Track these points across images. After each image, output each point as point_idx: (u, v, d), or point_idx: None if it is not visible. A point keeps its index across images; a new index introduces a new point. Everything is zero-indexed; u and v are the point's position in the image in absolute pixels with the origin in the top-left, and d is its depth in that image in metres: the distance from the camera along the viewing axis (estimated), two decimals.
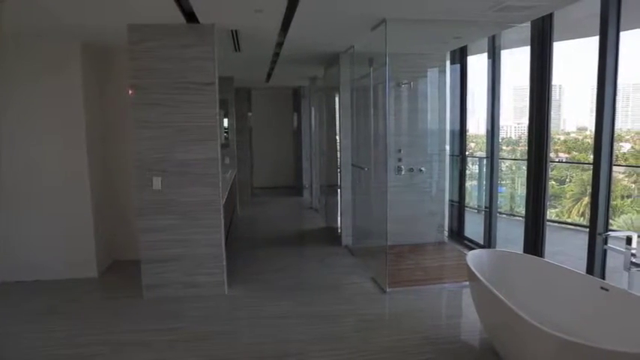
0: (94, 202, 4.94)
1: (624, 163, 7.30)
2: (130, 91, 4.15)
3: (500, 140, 5.96)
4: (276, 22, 4.15)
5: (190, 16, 3.91)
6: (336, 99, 6.40)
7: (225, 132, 8.65)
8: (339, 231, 6.40)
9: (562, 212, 7.71)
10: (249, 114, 10.69)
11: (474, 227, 6.30)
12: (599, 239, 3.80)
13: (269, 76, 8.20)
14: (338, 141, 6.37)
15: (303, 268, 5.47)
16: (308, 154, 10.13)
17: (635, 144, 7.45)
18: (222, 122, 8.30)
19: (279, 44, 5.20)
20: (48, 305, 4.22)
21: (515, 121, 7.48)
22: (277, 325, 3.77)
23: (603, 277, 3.84)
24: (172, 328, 3.73)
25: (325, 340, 3.49)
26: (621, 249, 2.97)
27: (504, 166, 7.69)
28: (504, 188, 7.64)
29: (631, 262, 2.88)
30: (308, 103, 9.96)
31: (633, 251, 2.89)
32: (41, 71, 4.68)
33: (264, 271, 5.19)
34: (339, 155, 6.30)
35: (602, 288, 3.05)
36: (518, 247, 4.91)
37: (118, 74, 5.18)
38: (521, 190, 5.60)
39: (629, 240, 2.91)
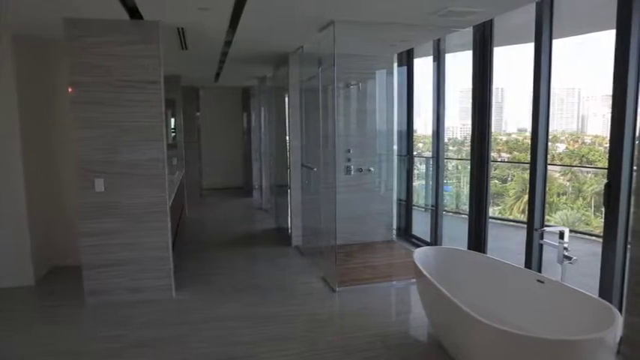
0: (29, 204, 4.66)
1: (560, 163, 7.73)
2: (70, 89, 3.97)
3: (446, 141, 6.16)
4: (223, 21, 4.09)
5: (134, 12, 3.79)
6: (286, 99, 6.39)
7: (173, 132, 8.44)
8: (289, 231, 6.39)
9: (505, 210, 8.06)
10: (198, 114, 10.49)
11: (421, 225, 6.47)
12: (535, 234, 4.00)
13: (218, 75, 8.09)
14: (288, 141, 6.36)
15: (253, 269, 5.43)
16: (258, 155, 10.06)
17: (570, 145, 7.91)
18: (169, 122, 8.10)
19: (228, 43, 5.14)
20: None
21: (461, 122, 7.76)
22: (226, 328, 3.71)
23: (540, 270, 4.05)
24: (117, 335, 3.60)
25: (275, 341, 3.48)
26: (555, 243, 3.15)
27: (451, 165, 7.96)
28: (451, 187, 7.90)
29: (563, 255, 3.06)
30: (258, 103, 9.89)
31: (565, 245, 3.06)
32: None
33: (213, 274, 5.11)
34: (288, 155, 6.30)
35: (538, 280, 3.22)
36: (463, 244, 5.08)
37: (60, 70, 4.92)
38: (466, 188, 5.80)
39: (561, 235, 3.09)
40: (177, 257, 4.61)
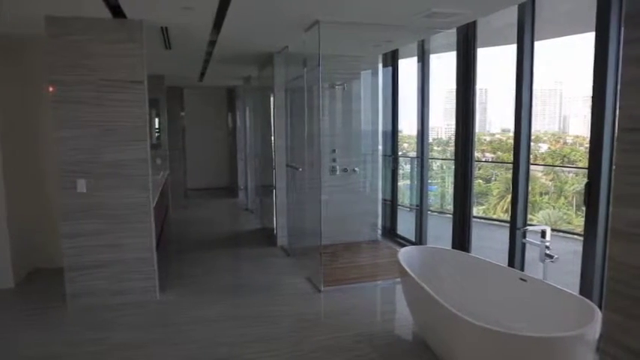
0: (8, 205, 4.58)
1: (542, 163, 7.84)
2: (51, 88, 3.91)
3: (431, 141, 6.20)
4: (207, 20, 4.07)
5: (116, 11, 3.75)
6: (271, 99, 6.38)
7: (157, 132, 8.37)
8: (275, 232, 6.38)
9: (489, 209, 8.14)
10: (182, 114, 10.41)
11: (406, 225, 6.50)
12: (518, 233, 4.06)
13: (202, 75, 8.03)
14: (273, 141, 6.35)
15: (238, 270, 5.41)
16: (243, 155, 10.02)
17: (552, 145, 8.02)
18: (153, 122, 8.02)
19: (212, 43, 5.11)
20: None
21: (445, 123, 7.82)
22: (211, 329, 3.69)
23: (523, 269, 4.10)
24: (100, 338, 3.55)
25: (260, 341, 3.47)
26: (537, 242, 3.19)
27: (436, 165, 8.02)
28: (436, 187, 7.96)
29: (545, 253, 3.10)
30: (243, 103, 9.85)
31: (547, 244, 3.11)
32: None
33: (198, 275, 5.08)
34: (274, 156, 6.29)
35: (521, 279, 3.26)
36: (447, 243, 5.13)
37: (41, 69, 4.84)
38: (451, 188, 5.86)
39: (543, 233, 3.13)
40: (161, 258, 4.57)
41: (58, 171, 4.00)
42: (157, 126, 8.34)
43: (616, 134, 1.36)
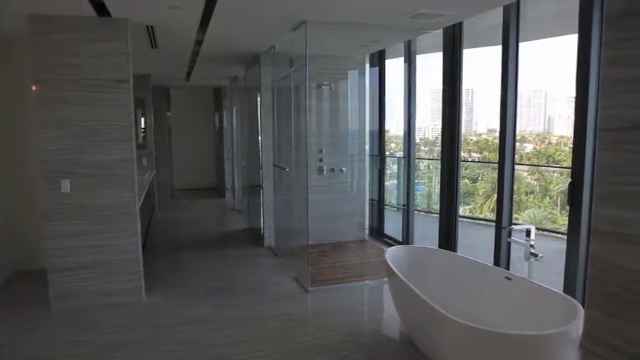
0: None
1: (527, 163, 7.92)
2: (33, 87, 3.85)
3: (418, 141, 6.24)
4: (194, 20, 4.04)
5: (101, 9, 3.71)
6: (258, 99, 6.36)
7: (143, 132, 8.30)
8: (262, 232, 6.36)
9: (475, 208, 8.20)
10: (169, 113, 10.33)
11: (393, 225, 6.53)
12: (503, 232, 4.10)
13: (189, 74, 7.98)
14: (260, 141, 6.34)
15: (225, 270, 5.38)
16: (230, 155, 9.98)
17: (537, 145, 8.11)
18: (139, 122, 7.95)
19: (199, 42, 5.08)
20: None
21: (432, 123, 7.87)
22: (198, 331, 3.67)
23: (508, 268, 4.14)
24: (85, 340, 3.51)
25: (248, 342, 3.46)
26: (522, 241, 3.23)
27: (423, 165, 8.06)
28: (423, 187, 8.00)
29: (530, 252, 3.14)
30: (230, 103, 9.81)
31: (532, 243, 3.15)
32: None
33: (185, 276, 5.04)
34: (261, 156, 6.27)
35: (506, 278, 3.30)
36: (434, 243, 5.16)
37: (22, 67, 4.77)
38: (437, 188, 5.90)
39: (528, 232, 3.17)
40: (147, 259, 4.54)
41: (41, 171, 3.94)
42: (142, 126, 8.26)
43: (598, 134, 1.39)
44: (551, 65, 6.80)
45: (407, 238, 5.95)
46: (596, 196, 1.37)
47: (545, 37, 5.58)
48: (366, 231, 6.56)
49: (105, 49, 3.95)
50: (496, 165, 4.36)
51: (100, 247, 4.10)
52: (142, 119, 8.21)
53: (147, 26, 4.30)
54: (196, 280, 4.91)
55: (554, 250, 4.72)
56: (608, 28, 1.29)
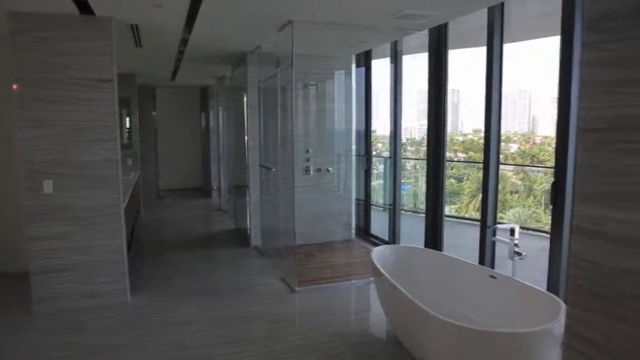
0: None
1: (512, 162, 8.02)
2: (15, 86, 3.79)
3: (404, 141, 6.27)
4: (179, 18, 4.02)
5: (84, 7, 3.66)
6: (244, 99, 6.34)
7: (128, 132, 8.21)
8: (248, 232, 6.35)
9: (461, 208, 8.28)
10: (154, 113, 10.24)
11: (379, 224, 6.56)
12: (488, 232, 4.14)
13: (174, 74, 7.93)
14: (246, 141, 6.31)
15: (212, 271, 5.36)
16: (216, 155, 9.92)
17: (522, 145, 8.21)
18: (124, 121, 7.87)
19: (184, 41, 5.04)
20: None
21: (419, 123, 7.91)
22: (183, 332, 3.64)
23: (493, 267, 4.18)
24: (68, 342, 3.46)
25: (234, 343, 3.44)
26: (506, 240, 3.26)
27: (409, 165, 8.11)
28: (409, 186, 8.05)
29: (514, 251, 3.17)
30: (216, 103, 9.76)
31: (516, 241, 3.18)
32: None
33: (171, 276, 5.00)
34: (247, 156, 6.25)
35: (491, 276, 3.33)
36: (420, 242, 5.19)
37: (7, 66, 4.69)
38: (423, 188, 5.93)
39: (512, 231, 3.20)
40: (132, 260, 4.49)
41: (22, 171, 3.87)
42: (127, 126, 8.18)
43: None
44: (535, 66, 6.89)
45: (393, 238, 5.97)
46: (576, 195, 1.39)
47: (529, 39, 5.65)
48: (353, 231, 6.58)
49: (89, 47, 3.90)
50: (481, 165, 4.40)
51: (83, 248, 4.04)
52: (127, 119, 8.13)
53: (131, 25, 4.25)
54: (182, 280, 4.88)
55: (539, 248, 4.79)
56: (589, 30, 1.31)
